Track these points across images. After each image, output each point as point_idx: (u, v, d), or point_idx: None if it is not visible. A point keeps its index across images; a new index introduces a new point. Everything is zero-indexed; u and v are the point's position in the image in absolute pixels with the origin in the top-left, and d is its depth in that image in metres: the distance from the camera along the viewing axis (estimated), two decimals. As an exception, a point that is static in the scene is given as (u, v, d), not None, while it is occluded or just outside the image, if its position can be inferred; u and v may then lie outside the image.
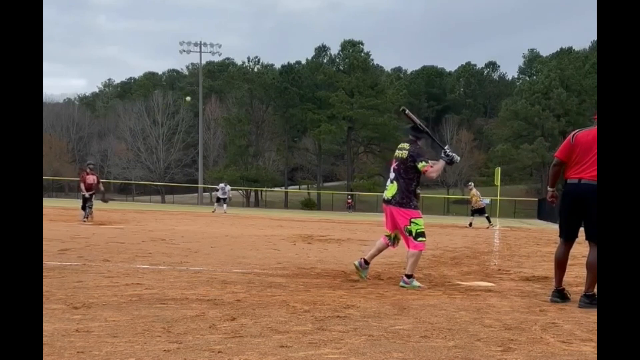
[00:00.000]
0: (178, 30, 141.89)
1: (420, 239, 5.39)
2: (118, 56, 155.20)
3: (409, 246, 5.46)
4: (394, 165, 5.60)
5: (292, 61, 70.37)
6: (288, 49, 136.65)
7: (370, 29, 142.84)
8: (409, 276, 5.38)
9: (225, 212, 27.61)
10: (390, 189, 5.52)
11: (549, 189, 5.04)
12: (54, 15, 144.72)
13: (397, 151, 5.63)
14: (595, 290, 4.40)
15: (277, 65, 68.88)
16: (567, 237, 4.81)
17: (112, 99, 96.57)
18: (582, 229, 4.74)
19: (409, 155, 5.44)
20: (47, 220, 12.53)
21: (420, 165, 5.37)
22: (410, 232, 5.38)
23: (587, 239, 4.58)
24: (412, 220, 5.38)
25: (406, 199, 5.42)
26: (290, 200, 62.41)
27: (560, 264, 4.82)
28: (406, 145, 5.55)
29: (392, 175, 5.58)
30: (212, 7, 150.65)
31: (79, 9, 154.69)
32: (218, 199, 29.75)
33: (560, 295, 4.77)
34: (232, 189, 59.74)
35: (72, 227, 12.20)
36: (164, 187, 62.16)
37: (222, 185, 30.49)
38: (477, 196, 21.63)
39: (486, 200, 31.30)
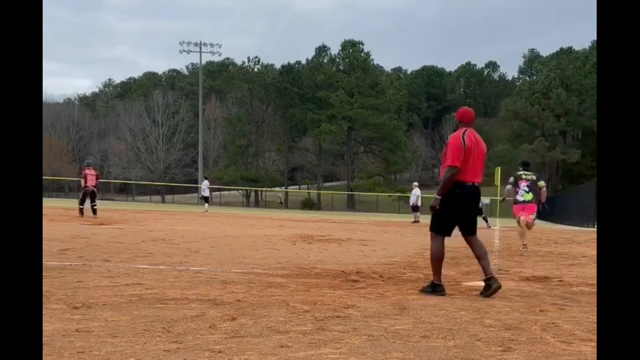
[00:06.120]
0: (182, 30, 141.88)
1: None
2: (125, 56, 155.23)
3: (532, 222, 10.61)
4: (526, 183, 10.39)
5: (301, 61, 70.65)
6: (298, 50, 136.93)
7: (374, 30, 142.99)
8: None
9: (206, 211, 27.87)
10: (528, 196, 10.39)
11: (439, 196, 4.98)
12: (62, 16, 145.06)
13: (524, 175, 10.48)
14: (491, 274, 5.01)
15: (278, 65, 68.99)
16: (449, 234, 5.06)
17: (112, 99, 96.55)
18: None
19: (537, 180, 10.62)
20: (47, 220, 12.53)
21: (541, 183, 10.73)
22: (535, 217, 10.74)
23: (469, 234, 5.07)
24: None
25: (535, 199, 10.56)
26: (291, 200, 62.42)
27: (442, 259, 5.06)
28: (527, 172, 10.57)
29: (526, 189, 10.38)
30: (222, 7, 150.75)
31: (88, 10, 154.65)
32: (206, 199, 29.96)
33: (440, 287, 4.98)
34: (232, 189, 60.00)
35: (72, 227, 12.20)
36: (164, 187, 62.16)
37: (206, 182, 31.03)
38: None
39: (486, 201, 31.29)
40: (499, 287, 4.91)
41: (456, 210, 4.97)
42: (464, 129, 5.00)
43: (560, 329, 3.64)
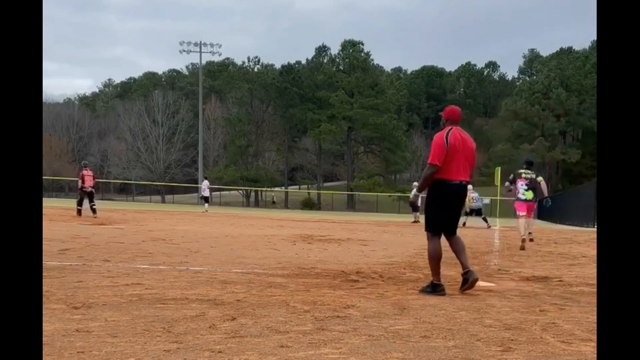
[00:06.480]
0: (182, 30, 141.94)
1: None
2: (125, 56, 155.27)
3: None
4: (525, 182, 10.90)
5: (301, 61, 70.71)
6: (298, 50, 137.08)
7: (374, 30, 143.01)
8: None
9: (206, 211, 27.85)
10: (528, 194, 11.01)
11: (419, 193, 5.16)
12: (62, 16, 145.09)
13: (524, 174, 10.97)
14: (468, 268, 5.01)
15: (278, 65, 69.00)
16: (441, 232, 5.07)
17: (112, 99, 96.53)
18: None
19: (536, 177, 11.05)
20: (47, 220, 12.53)
21: (539, 178, 11.12)
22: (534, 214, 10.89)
23: (452, 233, 5.08)
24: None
25: (535, 198, 11.37)
26: (291, 200, 62.40)
27: (440, 259, 5.01)
28: (527, 171, 10.99)
29: (525, 187, 10.94)
30: (222, 7, 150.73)
31: (88, 10, 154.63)
32: (206, 199, 29.93)
33: (440, 287, 4.95)
34: (232, 189, 59.96)
35: (72, 227, 12.20)
36: (164, 187, 62.13)
37: (206, 182, 31.02)
38: (470, 198, 22.25)
39: (486, 201, 31.28)
40: (476, 279, 5.00)
41: (445, 208, 5.01)
42: (450, 127, 5.04)
43: (560, 329, 3.64)
